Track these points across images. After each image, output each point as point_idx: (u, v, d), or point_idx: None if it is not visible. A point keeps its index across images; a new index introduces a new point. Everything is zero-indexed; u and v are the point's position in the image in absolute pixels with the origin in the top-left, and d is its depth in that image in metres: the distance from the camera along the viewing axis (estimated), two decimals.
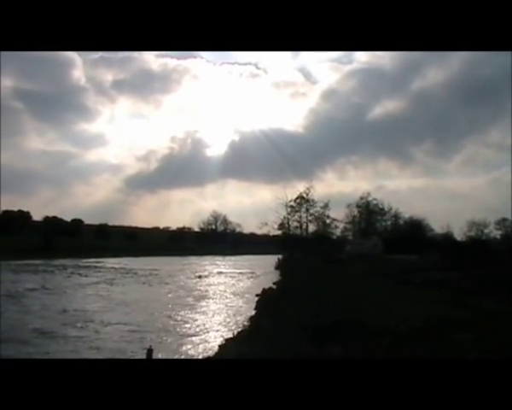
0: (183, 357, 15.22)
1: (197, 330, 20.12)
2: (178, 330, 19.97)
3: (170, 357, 14.59)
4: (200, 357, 14.89)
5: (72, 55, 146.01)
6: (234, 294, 34.40)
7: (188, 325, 21.11)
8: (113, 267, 57.90)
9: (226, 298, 32.09)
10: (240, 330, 18.45)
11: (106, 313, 23.66)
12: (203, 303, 29.10)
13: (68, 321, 20.76)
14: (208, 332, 19.66)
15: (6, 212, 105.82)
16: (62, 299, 28.42)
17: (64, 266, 55.60)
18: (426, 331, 13.55)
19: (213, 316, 24.36)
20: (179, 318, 22.88)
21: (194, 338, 18.21)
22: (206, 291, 36.18)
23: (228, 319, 22.73)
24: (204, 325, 21.47)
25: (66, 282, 38.92)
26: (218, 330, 19.91)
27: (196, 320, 22.50)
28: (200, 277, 50.01)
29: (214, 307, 27.59)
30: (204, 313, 25.43)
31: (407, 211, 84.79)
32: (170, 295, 32.33)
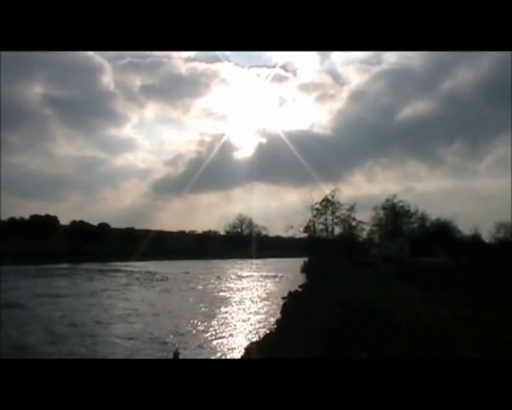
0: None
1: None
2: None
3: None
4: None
5: (102, 61, 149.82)
6: (260, 298, 34.60)
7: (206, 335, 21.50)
8: (139, 271, 58.98)
9: (253, 302, 32.25)
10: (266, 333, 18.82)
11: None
12: (228, 308, 28.94)
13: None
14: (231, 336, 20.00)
15: (34, 216, 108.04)
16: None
17: (88, 270, 57.22)
18: (455, 334, 13.54)
19: (238, 322, 24.24)
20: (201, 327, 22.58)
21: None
22: (231, 296, 36.28)
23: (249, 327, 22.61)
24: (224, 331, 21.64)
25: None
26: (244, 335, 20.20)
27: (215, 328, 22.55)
28: (221, 278, 50.74)
29: (238, 309, 28.01)
30: (225, 317, 25.50)
31: (436, 213, 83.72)
32: (191, 300, 32.56)
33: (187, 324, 22.49)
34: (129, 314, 25.22)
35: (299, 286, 38.71)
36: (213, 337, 19.62)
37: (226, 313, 26.92)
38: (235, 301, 32.27)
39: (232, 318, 25.29)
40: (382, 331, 14.18)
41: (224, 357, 16.28)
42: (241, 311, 27.80)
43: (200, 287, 42.26)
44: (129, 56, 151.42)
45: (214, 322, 23.27)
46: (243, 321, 24.09)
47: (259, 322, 23.36)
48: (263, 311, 27.57)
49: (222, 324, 23.01)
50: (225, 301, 32.00)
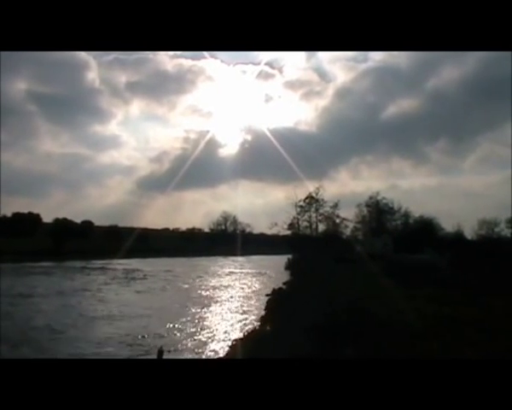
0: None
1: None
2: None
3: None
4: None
5: (87, 57, 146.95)
6: (244, 296, 34.29)
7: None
8: (121, 269, 58.18)
9: (236, 299, 32.01)
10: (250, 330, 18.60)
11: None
12: (211, 308, 28.10)
13: None
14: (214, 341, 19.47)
15: (16, 214, 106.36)
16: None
17: (80, 268, 56.23)
18: (438, 330, 13.62)
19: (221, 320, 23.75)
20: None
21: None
22: (214, 294, 35.72)
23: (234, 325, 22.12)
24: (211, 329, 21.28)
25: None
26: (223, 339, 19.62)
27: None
28: (203, 277, 50.15)
29: (222, 309, 27.51)
30: (211, 314, 25.19)
31: (420, 210, 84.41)
32: (170, 299, 31.53)
33: (160, 327, 20.77)
34: (96, 318, 23.17)
35: (283, 283, 38.64)
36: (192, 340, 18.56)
37: (209, 312, 26.23)
38: (219, 300, 31.71)
39: (217, 316, 24.89)
40: (366, 328, 14.14)
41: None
42: (226, 310, 27.22)
43: (182, 285, 41.43)
44: (114, 53, 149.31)
45: (195, 323, 22.29)
46: (227, 320, 23.58)
47: (241, 321, 22.96)
48: (247, 308, 27.26)
49: (203, 324, 22.22)
50: (209, 300, 31.25)
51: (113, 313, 24.52)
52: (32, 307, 25.75)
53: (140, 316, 23.63)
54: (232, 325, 22.01)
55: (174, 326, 21.01)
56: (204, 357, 15.57)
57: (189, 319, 23.16)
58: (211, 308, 27.53)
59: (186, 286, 40.48)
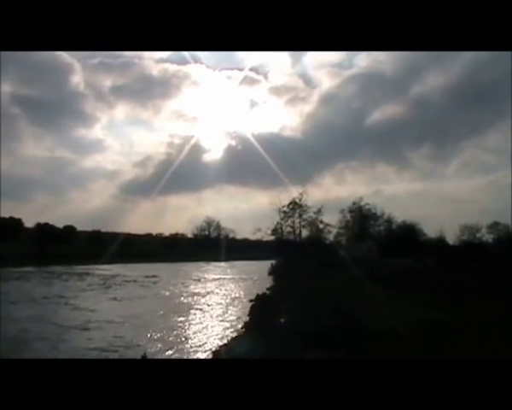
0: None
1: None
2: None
3: None
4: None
5: (72, 60, 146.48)
6: (227, 301, 33.86)
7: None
8: (101, 274, 57.35)
9: (219, 306, 31.48)
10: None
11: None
12: (191, 315, 26.91)
13: None
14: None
15: None
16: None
17: (59, 273, 55.13)
18: (423, 334, 13.51)
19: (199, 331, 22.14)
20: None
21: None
22: (197, 301, 34.74)
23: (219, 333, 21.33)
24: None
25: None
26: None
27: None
28: (184, 283, 49.61)
29: (204, 317, 26.74)
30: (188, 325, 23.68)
31: (404, 216, 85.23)
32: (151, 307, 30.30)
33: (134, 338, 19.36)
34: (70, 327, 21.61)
35: (267, 288, 38.42)
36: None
37: (191, 319, 25.11)
38: (201, 307, 30.79)
39: (200, 322, 24.07)
40: (350, 332, 14.09)
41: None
42: (208, 316, 26.51)
43: (163, 291, 40.59)
44: (100, 56, 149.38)
45: (175, 332, 21.14)
46: (211, 327, 22.78)
47: (227, 328, 22.23)
48: (230, 315, 26.72)
49: (183, 332, 21.24)
50: (190, 307, 30.38)
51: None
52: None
53: (119, 324, 22.79)
54: (214, 330, 21.48)
55: (151, 336, 19.95)
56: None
57: (170, 326, 22.49)
58: (192, 316, 26.55)
59: (167, 293, 39.70)
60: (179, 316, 25.92)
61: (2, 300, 29.93)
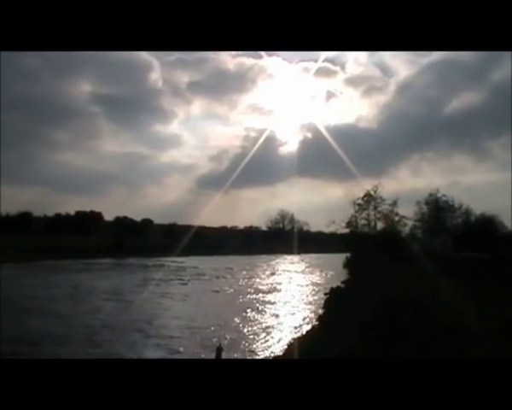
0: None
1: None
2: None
3: None
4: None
5: (150, 58, 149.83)
6: (304, 297, 34.44)
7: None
8: (176, 267, 59.55)
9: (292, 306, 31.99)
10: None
11: None
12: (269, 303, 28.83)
13: None
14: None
15: (79, 212, 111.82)
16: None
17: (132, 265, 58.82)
18: (500, 332, 13.28)
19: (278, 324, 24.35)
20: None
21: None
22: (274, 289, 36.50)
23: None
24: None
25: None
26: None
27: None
28: (261, 275, 51.13)
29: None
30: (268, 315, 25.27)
31: (481, 207, 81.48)
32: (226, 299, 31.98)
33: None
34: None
35: (342, 282, 39.01)
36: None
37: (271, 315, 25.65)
38: (278, 301, 31.42)
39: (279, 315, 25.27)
40: (426, 328, 14.14)
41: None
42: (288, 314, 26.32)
43: (235, 287, 40.74)
44: (177, 53, 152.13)
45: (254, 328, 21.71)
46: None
47: (304, 318, 23.68)
48: (307, 308, 27.77)
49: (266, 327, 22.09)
50: (268, 301, 31.01)
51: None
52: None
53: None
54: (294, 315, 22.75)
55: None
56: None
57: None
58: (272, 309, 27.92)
59: (240, 286, 40.94)
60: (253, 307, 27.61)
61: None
